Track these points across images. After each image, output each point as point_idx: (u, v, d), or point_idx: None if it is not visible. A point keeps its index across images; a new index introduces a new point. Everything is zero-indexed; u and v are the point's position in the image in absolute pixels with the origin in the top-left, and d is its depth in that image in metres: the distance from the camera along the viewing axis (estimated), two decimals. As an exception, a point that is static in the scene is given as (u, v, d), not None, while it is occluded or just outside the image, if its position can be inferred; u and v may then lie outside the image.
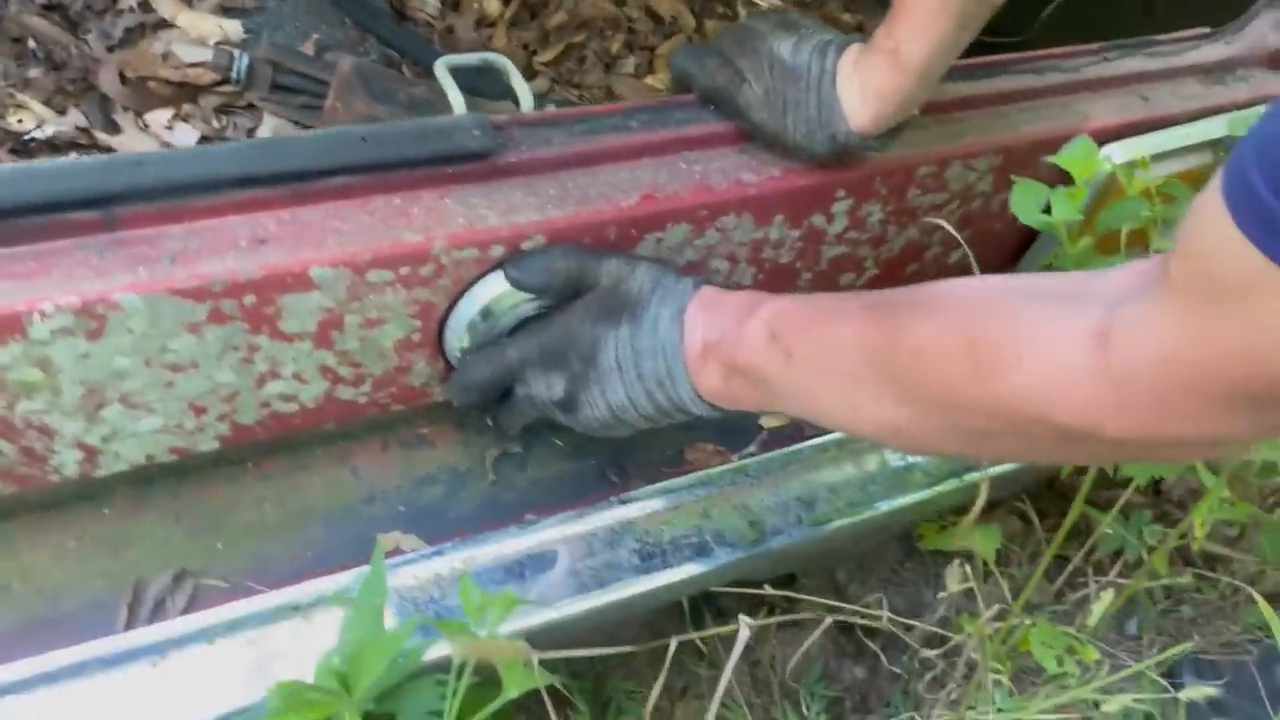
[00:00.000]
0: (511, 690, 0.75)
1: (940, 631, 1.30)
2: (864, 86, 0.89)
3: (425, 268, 0.82)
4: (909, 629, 1.41)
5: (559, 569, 0.96)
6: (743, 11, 1.71)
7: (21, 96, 1.27)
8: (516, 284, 0.84)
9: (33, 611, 0.86)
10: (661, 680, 0.96)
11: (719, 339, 0.82)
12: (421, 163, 0.82)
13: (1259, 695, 1.57)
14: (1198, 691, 1.19)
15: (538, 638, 0.93)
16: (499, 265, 0.86)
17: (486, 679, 0.82)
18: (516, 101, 0.98)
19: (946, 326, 0.67)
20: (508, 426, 0.99)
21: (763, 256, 1.00)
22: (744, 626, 0.89)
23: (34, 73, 1.30)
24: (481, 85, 1.43)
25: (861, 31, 1.73)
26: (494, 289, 0.86)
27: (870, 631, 1.56)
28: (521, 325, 0.89)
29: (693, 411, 0.87)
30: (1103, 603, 1.27)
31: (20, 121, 1.28)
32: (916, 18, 0.84)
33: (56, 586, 0.87)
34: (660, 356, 0.84)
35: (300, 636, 0.87)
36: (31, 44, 1.32)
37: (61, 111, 1.29)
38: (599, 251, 0.87)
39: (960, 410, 0.67)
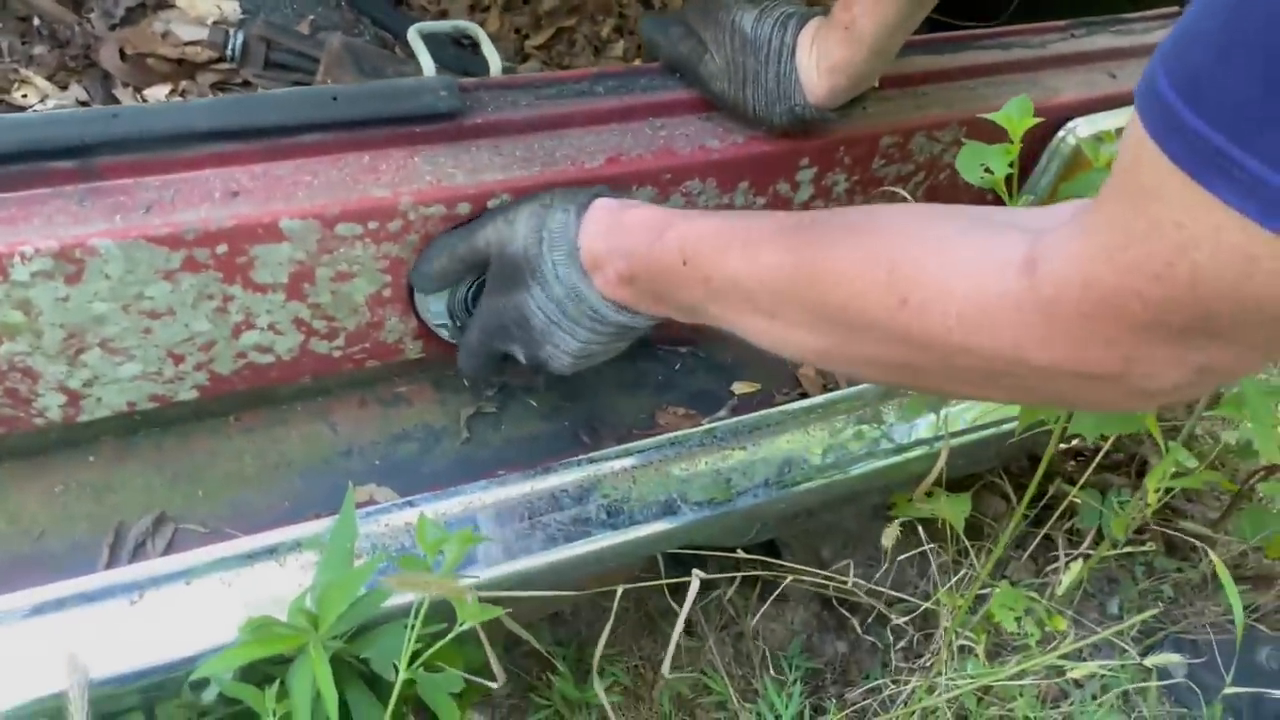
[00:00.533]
0: (465, 621, 0.78)
1: (908, 598, 1.33)
2: (820, 60, 0.92)
3: (393, 223, 0.85)
4: (890, 604, 1.44)
5: (528, 522, 0.99)
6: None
7: (25, 72, 1.32)
8: (421, 289, 0.89)
9: (19, 551, 0.90)
10: (609, 627, 0.99)
11: (628, 268, 0.81)
12: (390, 121, 0.85)
13: (1240, 674, 1.58)
14: (1163, 658, 1.21)
15: (507, 589, 0.97)
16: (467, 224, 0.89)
17: (459, 634, 0.85)
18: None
19: (869, 253, 0.66)
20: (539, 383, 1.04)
21: (729, 222, 1.03)
22: (695, 579, 0.92)
23: (38, 49, 1.35)
24: (472, 68, 1.47)
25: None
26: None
27: (853, 607, 1.58)
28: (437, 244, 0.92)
29: (644, 326, 0.87)
30: (1071, 573, 1.29)
31: (25, 96, 1.32)
32: None
33: (42, 528, 0.91)
34: (576, 299, 0.84)
35: (275, 578, 0.90)
36: (36, 22, 1.36)
37: (64, 87, 1.34)
38: (474, 223, 0.88)
39: (883, 339, 0.65)
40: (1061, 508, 1.38)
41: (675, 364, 1.17)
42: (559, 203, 0.84)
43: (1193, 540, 1.69)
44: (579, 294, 0.83)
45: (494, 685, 0.84)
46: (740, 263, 0.73)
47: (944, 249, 0.62)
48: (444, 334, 0.95)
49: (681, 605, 1.54)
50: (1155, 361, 0.54)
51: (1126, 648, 1.33)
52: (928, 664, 1.42)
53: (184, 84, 1.37)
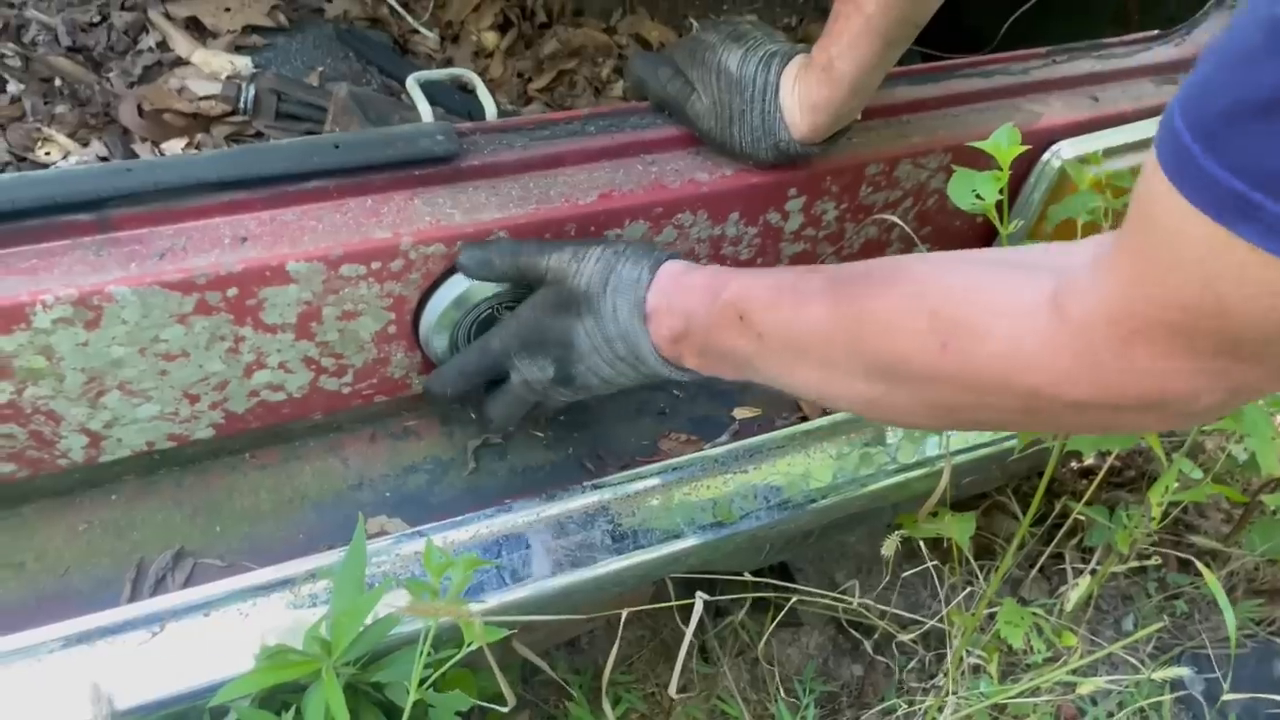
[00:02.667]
0: (472, 643, 0.81)
1: (920, 619, 1.34)
2: (802, 99, 0.95)
3: (395, 262, 0.89)
4: (903, 626, 1.45)
5: (534, 549, 1.02)
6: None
7: (48, 130, 1.38)
8: (464, 270, 0.91)
9: (44, 588, 0.94)
10: (615, 648, 1.01)
11: (685, 327, 0.86)
12: (390, 166, 0.89)
13: (1256, 688, 1.58)
14: (1171, 672, 1.22)
15: (515, 615, 1.00)
16: (467, 261, 0.93)
17: (472, 662, 0.88)
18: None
19: (910, 303, 0.70)
20: (499, 418, 1.02)
21: (722, 253, 1.07)
22: (699, 599, 0.95)
23: (60, 109, 1.41)
24: (477, 112, 1.52)
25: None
26: (464, 283, 0.93)
27: (867, 630, 1.59)
28: (492, 317, 0.96)
29: (677, 380, 0.92)
30: (1079, 588, 1.30)
31: (48, 154, 1.38)
32: (844, 36, 0.90)
33: (68, 565, 0.95)
34: (627, 343, 0.89)
35: (290, 608, 0.93)
36: (58, 82, 1.42)
37: (85, 144, 1.39)
38: (547, 245, 0.92)
39: (929, 383, 0.69)
40: (1067, 525, 1.40)
41: (677, 391, 1.20)
42: (632, 255, 0.89)
43: (1206, 555, 1.70)
44: (634, 341, 0.88)
45: (504, 709, 0.86)
46: (791, 317, 0.78)
47: (978, 294, 0.66)
48: (429, 338, 0.97)
49: (695, 633, 1.56)
50: (1187, 387, 0.57)
51: (1137, 663, 1.34)
52: (940, 684, 1.43)
53: (199, 137, 1.43)
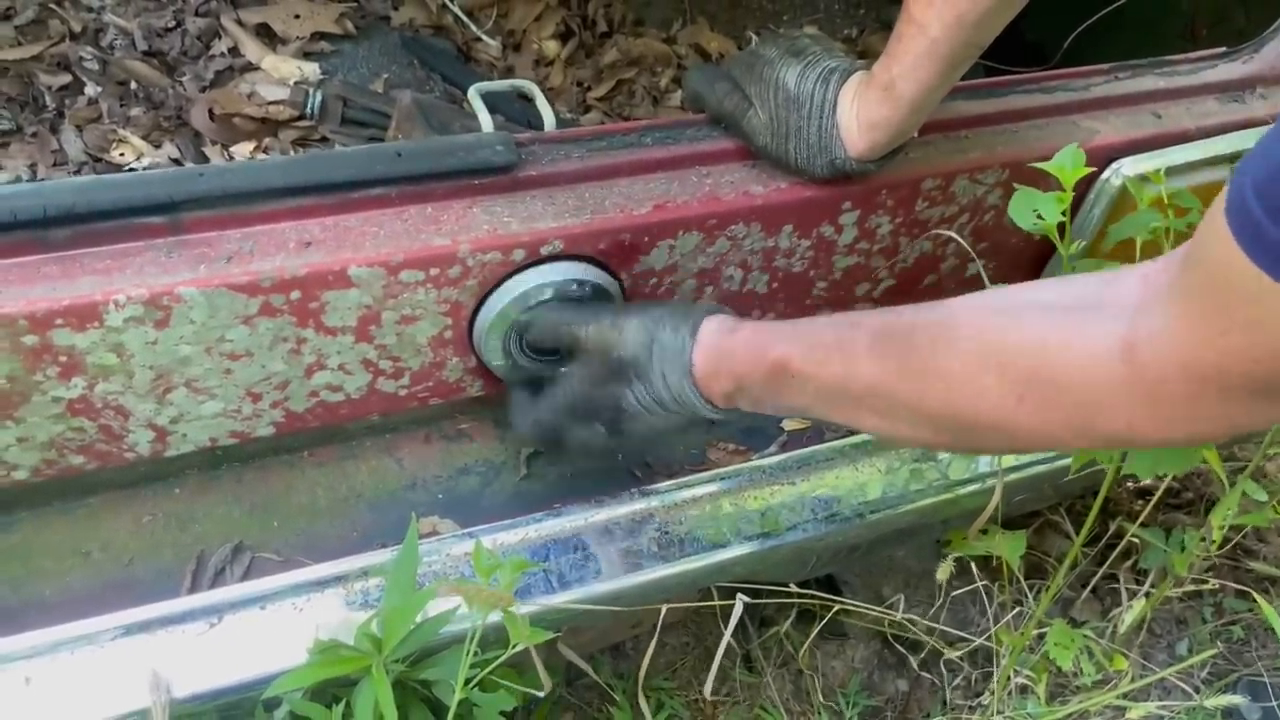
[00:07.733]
0: (517, 641, 0.82)
1: (968, 636, 1.33)
2: (861, 117, 0.95)
3: (453, 269, 0.91)
4: (951, 643, 1.44)
5: (581, 553, 1.03)
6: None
7: (123, 132, 1.42)
8: (531, 348, 0.98)
9: (111, 576, 0.97)
10: (653, 644, 1.02)
11: (736, 387, 0.87)
12: (450, 175, 0.91)
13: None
14: (1225, 699, 1.20)
15: (563, 619, 1.01)
16: (522, 269, 0.95)
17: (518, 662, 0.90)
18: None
19: (974, 360, 0.71)
20: (530, 436, 1.05)
21: (775, 265, 1.07)
22: (739, 602, 0.95)
23: (135, 111, 1.45)
24: (537, 121, 1.54)
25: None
26: (517, 290, 0.95)
27: (914, 645, 1.59)
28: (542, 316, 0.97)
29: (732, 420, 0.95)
30: (1133, 611, 1.29)
31: (122, 155, 1.43)
32: (907, 58, 0.90)
33: (132, 555, 0.98)
34: (679, 403, 0.91)
35: (344, 604, 0.95)
36: (134, 86, 1.47)
37: (158, 145, 1.44)
38: (583, 314, 0.94)
39: (1005, 433, 0.71)
40: (1121, 546, 1.38)
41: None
42: (669, 321, 0.90)
43: (1265, 581, 1.66)
44: (687, 402, 0.90)
45: (541, 693, 0.87)
46: (843, 375, 0.80)
47: (1045, 345, 0.67)
48: (499, 371, 1.00)
49: (739, 641, 1.56)
50: (1257, 417, 0.61)
51: (1189, 689, 1.32)
52: (986, 703, 1.42)
53: (267, 140, 1.47)
